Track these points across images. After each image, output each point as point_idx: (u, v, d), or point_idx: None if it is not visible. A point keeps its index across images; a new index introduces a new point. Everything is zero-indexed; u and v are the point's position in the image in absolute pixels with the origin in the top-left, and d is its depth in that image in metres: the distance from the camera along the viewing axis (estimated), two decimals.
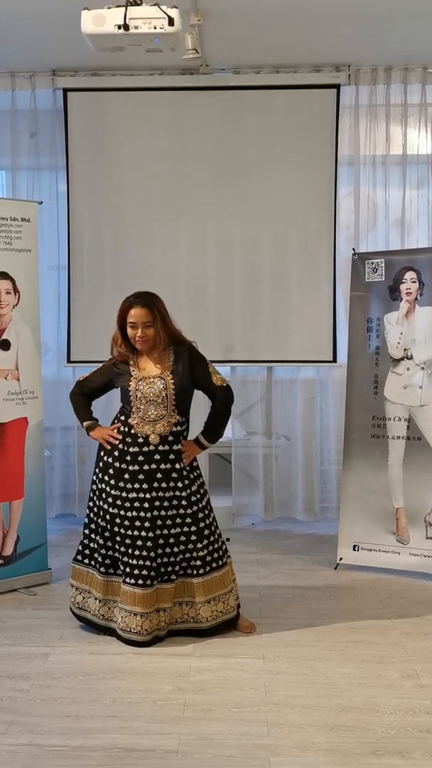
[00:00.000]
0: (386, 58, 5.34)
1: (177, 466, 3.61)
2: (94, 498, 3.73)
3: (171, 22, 3.25)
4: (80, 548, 3.81)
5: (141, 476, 3.58)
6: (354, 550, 4.70)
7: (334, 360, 5.50)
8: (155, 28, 3.24)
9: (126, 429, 3.63)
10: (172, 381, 3.60)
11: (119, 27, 3.25)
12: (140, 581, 3.56)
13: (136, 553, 3.57)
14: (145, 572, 3.56)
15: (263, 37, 4.93)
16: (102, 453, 3.70)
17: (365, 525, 4.68)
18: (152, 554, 3.58)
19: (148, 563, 3.56)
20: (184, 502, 3.61)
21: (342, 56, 5.30)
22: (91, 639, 3.70)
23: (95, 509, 3.73)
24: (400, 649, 3.59)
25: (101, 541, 3.69)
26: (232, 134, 5.47)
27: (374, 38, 4.96)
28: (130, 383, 3.61)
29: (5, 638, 3.73)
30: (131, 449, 3.60)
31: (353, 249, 4.97)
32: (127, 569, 3.60)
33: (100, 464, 3.70)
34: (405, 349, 4.60)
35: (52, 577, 4.49)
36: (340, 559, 4.72)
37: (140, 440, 3.59)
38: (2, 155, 5.68)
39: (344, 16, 4.60)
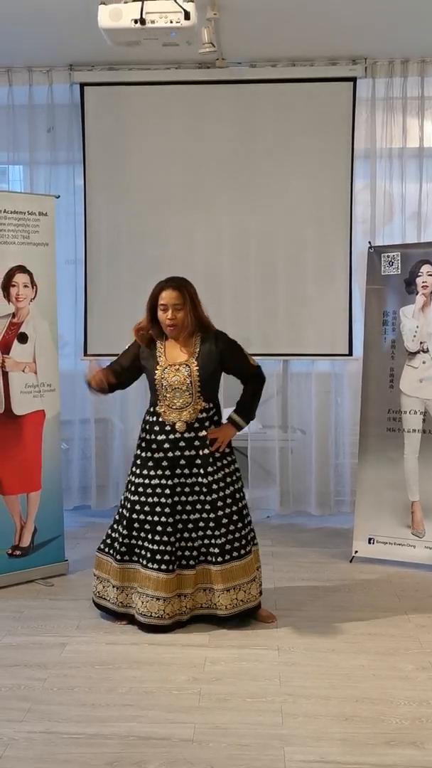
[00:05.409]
0: (403, 50, 5.32)
1: (201, 452, 3.63)
2: (125, 491, 3.79)
3: (187, 16, 3.27)
4: (104, 538, 3.87)
5: (165, 463, 3.63)
6: (369, 543, 4.71)
7: (350, 353, 5.50)
8: (171, 22, 3.26)
9: (154, 418, 3.67)
10: (197, 368, 3.62)
11: (136, 21, 3.28)
12: (163, 566, 3.60)
13: (156, 538, 3.61)
14: (167, 557, 3.60)
15: (279, 31, 4.93)
16: (138, 450, 3.74)
17: (381, 518, 4.69)
18: (172, 539, 3.61)
19: (169, 548, 3.60)
20: (204, 489, 3.63)
21: (358, 49, 5.29)
22: (107, 629, 3.74)
23: (122, 501, 3.79)
24: (414, 642, 3.60)
25: (121, 530, 3.74)
26: (248, 128, 5.47)
27: (391, 31, 4.94)
28: (156, 371, 3.64)
29: (23, 628, 3.77)
30: (159, 437, 3.64)
31: (369, 242, 4.96)
32: (148, 554, 3.63)
33: (137, 461, 3.73)
34: (421, 342, 4.59)
35: (69, 568, 4.53)
36: (356, 552, 4.73)
37: (167, 428, 3.63)
38: (20, 150, 5.70)
39: (360, 9, 4.58)
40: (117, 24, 3.31)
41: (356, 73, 5.39)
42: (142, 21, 3.27)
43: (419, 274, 4.61)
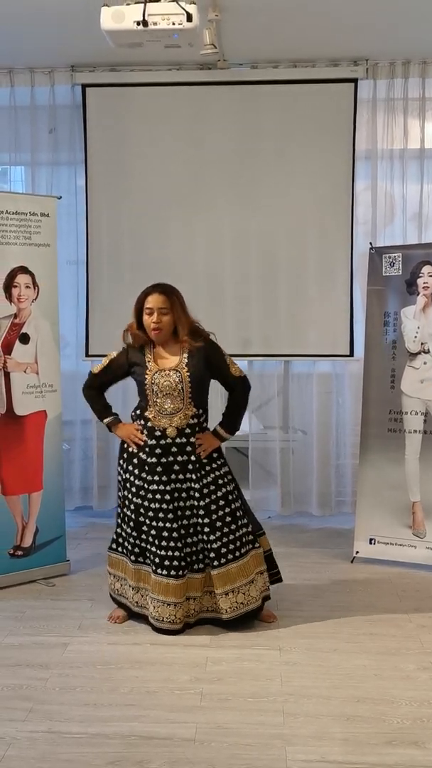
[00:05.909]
0: (404, 51, 5.33)
1: (191, 457, 3.63)
2: (120, 488, 3.78)
3: (189, 18, 3.29)
4: (114, 536, 3.87)
5: (159, 468, 3.62)
6: (370, 543, 4.71)
7: (351, 354, 5.50)
8: (174, 24, 3.28)
9: (143, 422, 3.66)
10: (188, 373, 3.61)
11: (138, 23, 3.30)
12: (172, 572, 3.59)
13: (164, 543, 3.61)
14: (176, 563, 3.60)
15: (281, 32, 4.94)
16: (125, 444, 3.74)
17: (382, 518, 4.69)
18: (179, 544, 3.62)
19: (177, 553, 3.60)
20: (197, 494, 3.63)
21: (360, 50, 5.30)
22: (109, 629, 3.75)
23: (121, 498, 3.78)
24: (415, 642, 3.61)
25: (128, 530, 3.74)
26: (249, 129, 5.48)
27: (392, 32, 4.95)
28: (146, 376, 3.63)
29: (25, 628, 3.78)
30: (149, 442, 3.64)
31: (370, 243, 4.97)
32: (156, 560, 3.63)
33: (125, 455, 3.73)
34: (422, 343, 4.60)
35: (71, 569, 4.54)
36: (357, 552, 4.74)
37: (158, 433, 3.62)
38: (22, 151, 5.71)
39: (361, 10, 4.59)
40: (119, 26, 3.33)
41: (357, 75, 5.40)
42: (145, 23, 3.29)
43: (420, 275, 4.61)
